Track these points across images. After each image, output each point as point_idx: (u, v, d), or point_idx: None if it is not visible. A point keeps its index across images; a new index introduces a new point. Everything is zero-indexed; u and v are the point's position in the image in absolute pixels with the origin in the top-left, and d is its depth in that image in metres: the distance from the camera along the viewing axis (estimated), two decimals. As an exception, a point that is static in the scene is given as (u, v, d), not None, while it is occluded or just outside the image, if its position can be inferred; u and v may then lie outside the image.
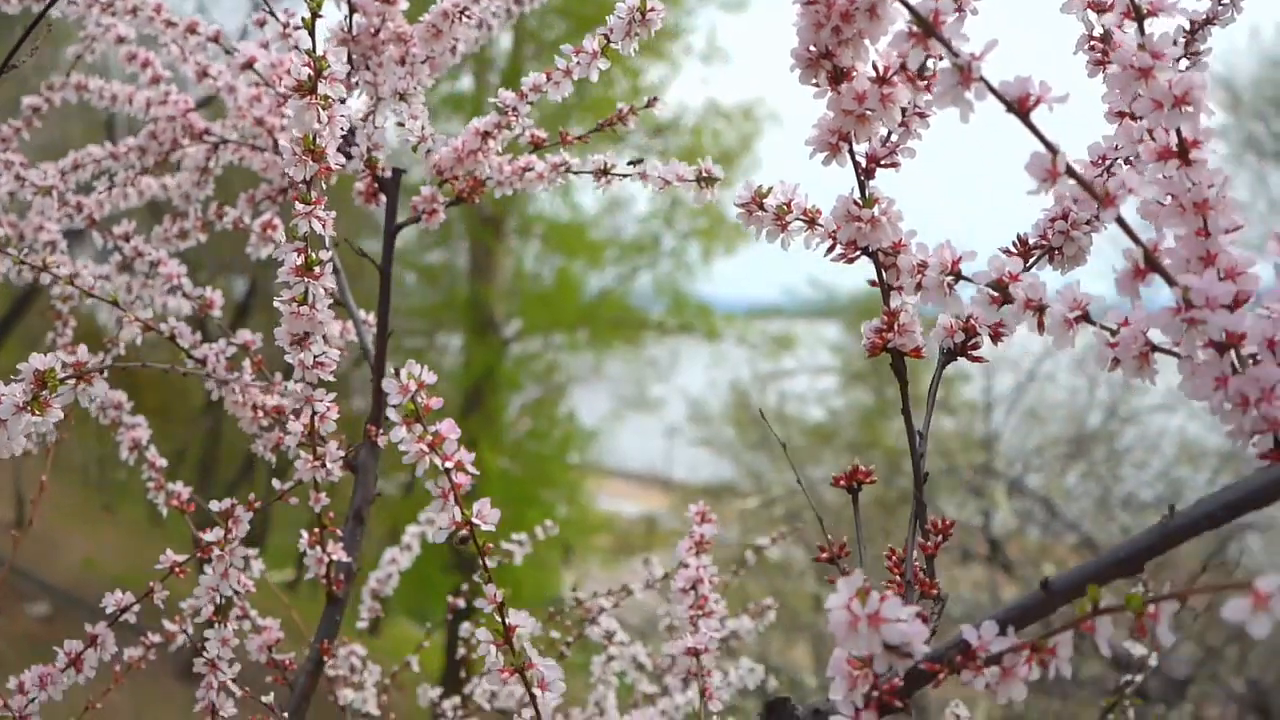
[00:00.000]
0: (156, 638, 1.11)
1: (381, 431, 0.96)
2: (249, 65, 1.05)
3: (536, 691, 0.63)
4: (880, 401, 9.26)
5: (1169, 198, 0.53)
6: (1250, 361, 0.50)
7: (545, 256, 12.22)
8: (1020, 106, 0.50)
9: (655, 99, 0.97)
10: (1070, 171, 0.50)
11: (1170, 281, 0.50)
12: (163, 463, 1.09)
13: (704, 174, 0.84)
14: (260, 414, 1.00)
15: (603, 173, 0.94)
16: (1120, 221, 0.51)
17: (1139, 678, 1.11)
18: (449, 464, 0.60)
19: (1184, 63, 0.70)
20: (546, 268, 12.18)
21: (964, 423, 8.32)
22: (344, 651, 1.30)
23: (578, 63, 0.87)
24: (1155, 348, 0.54)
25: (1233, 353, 0.52)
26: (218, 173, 1.19)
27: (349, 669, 1.29)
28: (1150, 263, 0.51)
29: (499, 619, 0.64)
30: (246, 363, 1.02)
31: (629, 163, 0.95)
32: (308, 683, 0.98)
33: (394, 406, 0.60)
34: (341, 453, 0.90)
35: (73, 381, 0.66)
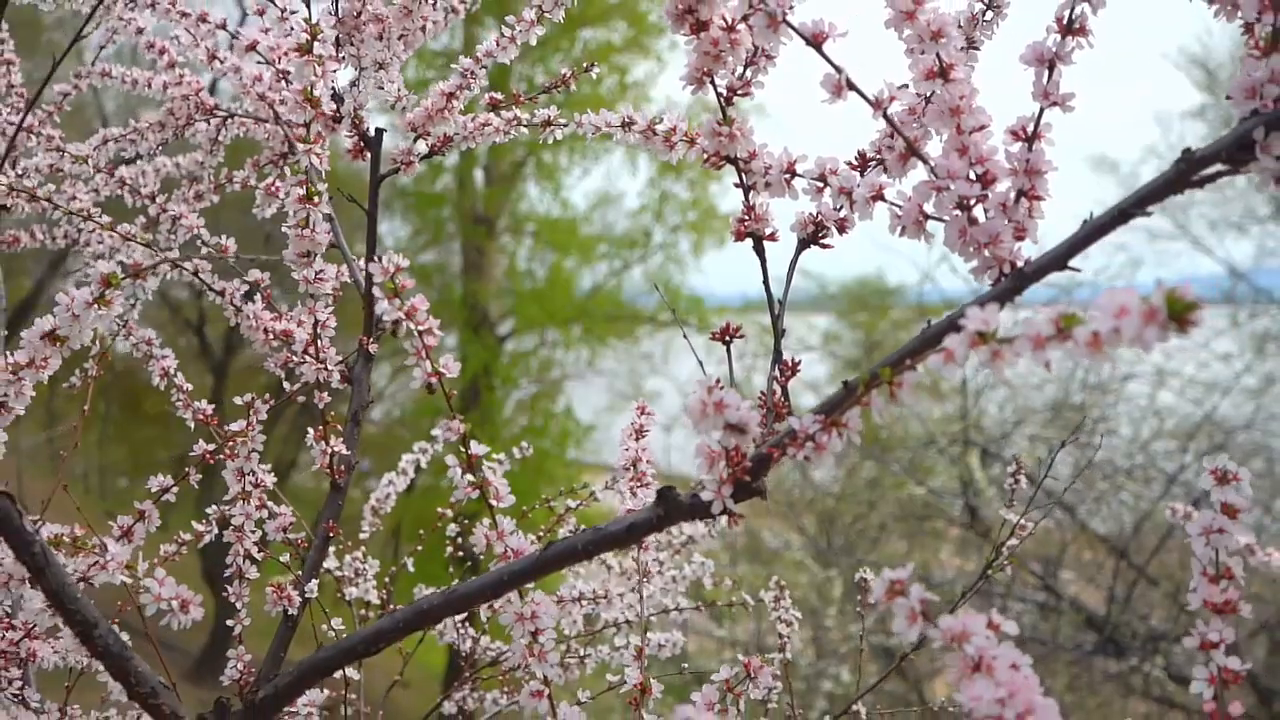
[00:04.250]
0: (187, 536, 1.31)
1: (374, 341, 1.16)
2: (252, 47, 1.25)
3: (493, 502, 0.83)
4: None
5: (934, 106, 0.73)
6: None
7: (537, 254, 12.40)
8: (816, 40, 0.70)
9: (593, 64, 1.17)
10: (850, 85, 0.70)
11: (925, 161, 0.71)
12: (188, 386, 1.29)
13: (626, 120, 1.04)
14: (270, 337, 1.20)
15: (546, 124, 1.14)
16: (888, 119, 0.71)
17: (1015, 542, 1.31)
18: (422, 327, 0.81)
19: (989, 14, 0.90)
20: (539, 265, 12.37)
21: (953, 407, 8.55)
22: (348, 558, 1.50)
23: (519, 30, 1.08)
24: (928, 216, 0.74)
25: (979, 211, 0.72)
26: (226, 143, 1.39)
27: (353, 572, 1.49)
28: (910, 150, 0.71)
29: (463, 449, 0.84)
30: (258, 296, 1.22)
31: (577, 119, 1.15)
32: (317, 556, 1.17)
33: (377, 284, 0.80)
34: (340, 358, 1.10)
35: (131, 279, 0.86)
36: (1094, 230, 0.65)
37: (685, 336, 1.03)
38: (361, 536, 1.56)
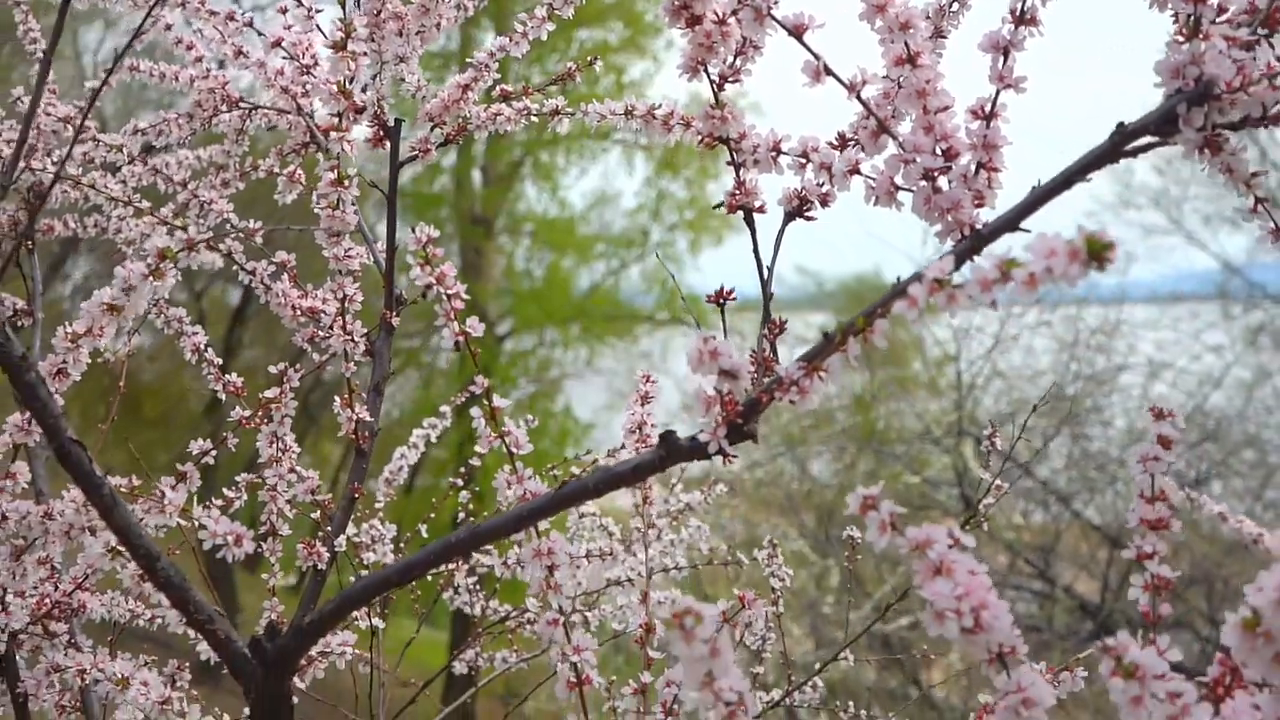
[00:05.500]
0: (220, 501, 1.40)
1: (396, 314, 1.25)
2: (277, 44, 1.34)
3: (514, 449, 0.92)
4: (873, 384, 9.58)
5: (904, 89, 0.82)
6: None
7: (535, 253, 12.50)
8: (798, 32, 0.79)
9: (595, 58, 1.26)
10: (827, 70, 0.79)
11: (894, 137, 0.80)
12: (219, 361, 1.38)
13: (629, 109, 1.13)
14: (297, 313, 1.29)
15: (555, 113, 1.23)
16: (861, 101, 0.80)
17: (990, 501, 1.40)
18: (449, 291, 0.90)
19: (955, 5, 0.99)
20: (537, 265, 12.47)
21: (949, 403, 8.66)
22: (365, 525, 1.59)
23: (531, 27, 1.17)
24: (898, 186, 0.83)
25: (943, 182, 0.81)
26: (251, 133, 1.48)
27: (370, 539, 1.58)
28: (881, 127, 0.80)
29: (487, 404, 0.93)
30: (284, 275, 1.31)
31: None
32: (343, 515, 1.27)
33: (411, 253, 0.89)
34: (365, 330, 1.19)
35: (186, 251, 0.95)
36: (1041, 195, 0.75)
37: (693, 317, 1.12)
38: (376, 506, 1.65)
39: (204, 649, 1.07)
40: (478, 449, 0.94)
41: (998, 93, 0.81)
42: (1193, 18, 0.72)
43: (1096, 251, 0.56)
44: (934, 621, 0.66)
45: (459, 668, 1.71)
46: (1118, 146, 0.73)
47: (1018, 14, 0.80)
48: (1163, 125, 0.72)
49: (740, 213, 0.92)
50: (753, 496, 8.21)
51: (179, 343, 1.41)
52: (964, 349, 7.72)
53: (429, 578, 1.61)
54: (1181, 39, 0.73)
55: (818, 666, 1.48)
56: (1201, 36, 0.72)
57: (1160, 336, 8.75)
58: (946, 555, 0.67)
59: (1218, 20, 0.74)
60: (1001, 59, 0.80)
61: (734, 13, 0.85)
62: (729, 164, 0.92)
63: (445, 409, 1.84)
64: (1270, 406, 8.37)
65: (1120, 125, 0.73)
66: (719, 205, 0.93)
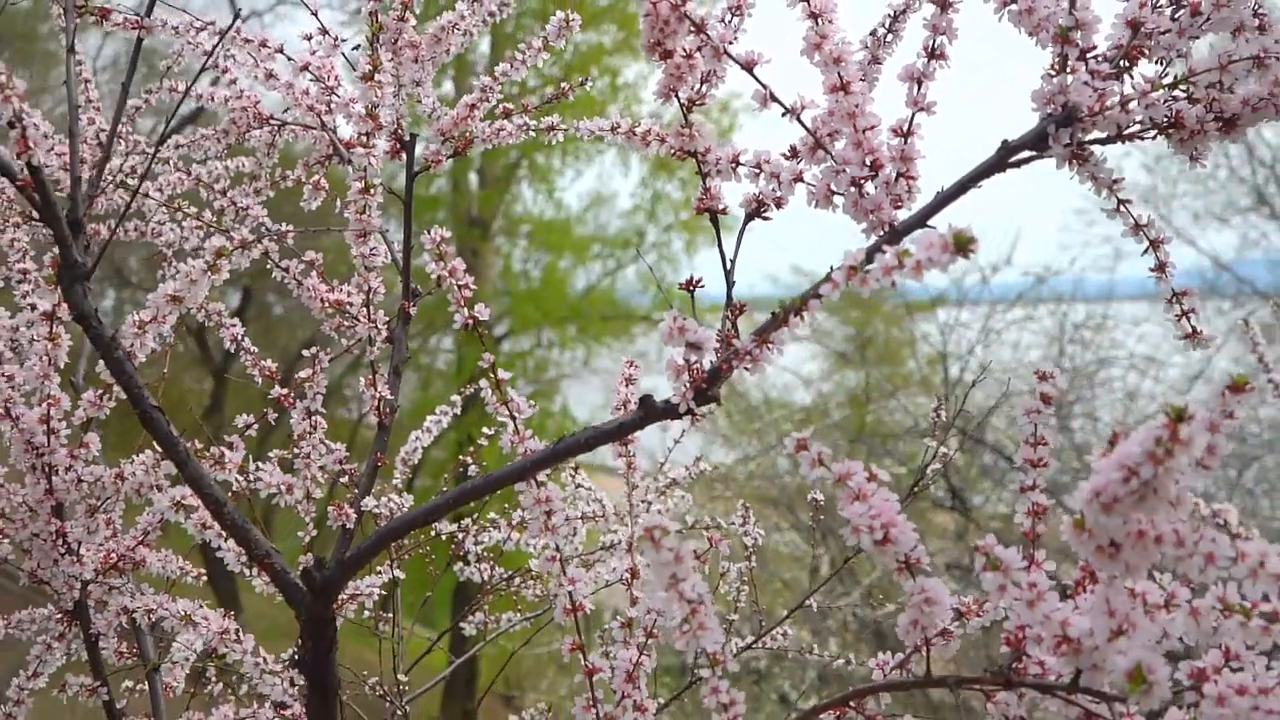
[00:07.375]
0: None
1: (413, 305, 1.42)
2: (305, 67, 1.51)
3: (516, 414, 1.10)
4: (866, 383, 9.77)
5: (837, 111, 1.00)
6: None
7: (532, 255, 12.67)
8: (748, 66, 0.97)
9: (586, 79, 1.44)
10: (772, 97, 0.97)
11: (827, 152, 0.98)
12: (255, 350, 1.56)
13: (614, 126, 1.31)
14: (325, 304, 1.46)
15: (551, 129, 1.41)
16: (800, 121, 0.98)
17: (938, 467, 1.58)
18: (460, 282, 1.07)
19: (889, 36, 1.17)
20: (534, 266, 12.64)
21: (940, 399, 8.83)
22: (384, 499, 1.77)
23: (530, 54, 1.35)
24: (833, 191, 1.01)
25: (870, 188, 0.99)
26: (280, 147, 1.65)
27: (389, 511, 1.76)
28: (817, 143, 0.98)
29: (492, 375, 1.10)
30: (314, 272, 1.49)
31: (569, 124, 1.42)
32: (367, 483, 1.44)
33: (426, 250, 1.06)
34: (387, 318, 1.37)
35: (239, 250, 1.12)
36: (943, 200, 0.92)
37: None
38: (394, 483, 1.83)
39: (259, 583, 1.24)
40: (484, 430, 1.12)
41: (913, 115, 0.98)
42: (1061, 55, 0.90)
43: (962, 244, 0.74)
44: (852, 535, 0.83)
45: (468, 629, 1.88)
46: (1003, 159, 0.91)
47: (930, 49, 0.98)
48: (1037, 142, 0.90)
49: (708, 215, 1.10)
50: (746, 490, 8.39)
51: (219, 334, 1.59)
52: (952, 345, 7.90)
53: (442, 537, 1.79)
54: (1053, 72, 0.90)
55: (785, 614, 1.65)
56: (1069, 70, 0.90)
57: (1147, 331, 8.95)
58: (864, 485, 0.85)
59: (1090, 55, 0.92)
60: (916, 87, 0.98)
61: (699, 48, 1.02)
62: (696, 173, 1.10)
63: (455, 398, 2.01)
64: (1254, 400, 8.56)
65: (1005, 142, 0.91)
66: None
